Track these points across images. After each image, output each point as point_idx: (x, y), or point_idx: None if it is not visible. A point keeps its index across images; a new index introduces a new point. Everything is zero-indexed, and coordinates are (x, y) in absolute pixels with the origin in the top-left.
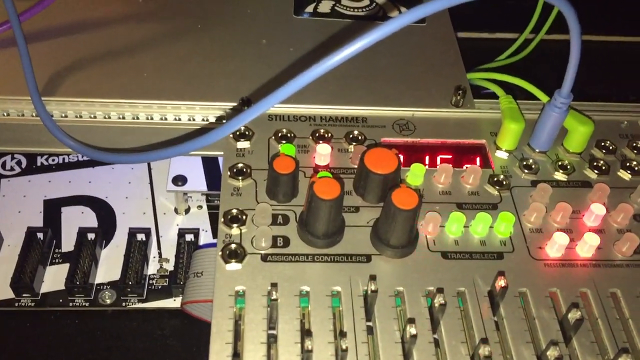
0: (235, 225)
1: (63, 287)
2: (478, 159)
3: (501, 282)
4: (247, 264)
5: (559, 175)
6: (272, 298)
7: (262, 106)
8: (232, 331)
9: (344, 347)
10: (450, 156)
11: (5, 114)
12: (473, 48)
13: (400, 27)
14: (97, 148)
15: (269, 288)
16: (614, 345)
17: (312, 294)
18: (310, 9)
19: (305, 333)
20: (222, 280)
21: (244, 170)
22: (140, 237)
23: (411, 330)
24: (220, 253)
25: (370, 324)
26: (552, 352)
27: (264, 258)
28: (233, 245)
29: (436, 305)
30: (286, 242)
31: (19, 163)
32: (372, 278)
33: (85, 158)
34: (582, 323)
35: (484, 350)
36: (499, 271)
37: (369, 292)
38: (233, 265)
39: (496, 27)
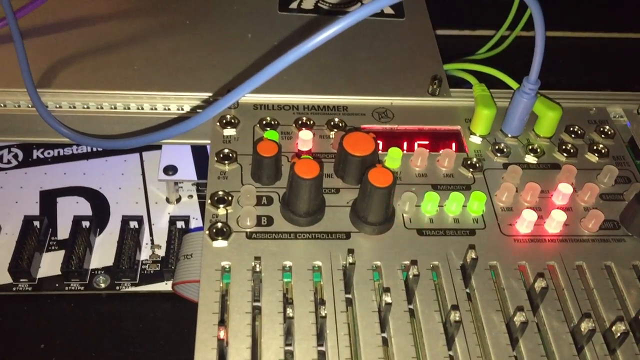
0: (221, 205)
1: (59, 272)
2: (454, 144)
3: (472, 254)
4: (232, 241)
5: (530, 158)
6: (256, 270)
7: (240, 91)
8: (219, 302)
9: (323, 314)
10: (427, 142)
11: (2, 105)
12: (456, 44)
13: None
14: (89, 135)
15: (253, 263)
16: (578, 313)
17: (294, 268)
18: (294, 5)
19: (287, 303)
20: (209, 257)
21: (230, 155)
22: (133, 224)
23: (386, 299)
24: (207, 231)
25: (349, 296)
26: (518, 318)
27: (249, 236)
28: (219, 224)
29: (410, 276)
30: (270, 221)
31: (15, 156)
32: (350, 251)
33: (79, 151)
34: (547, 291)
35: (454, 316)
36: (470, 244)
37: (347, 265)
38: (219, 243)
39: (478, 25)
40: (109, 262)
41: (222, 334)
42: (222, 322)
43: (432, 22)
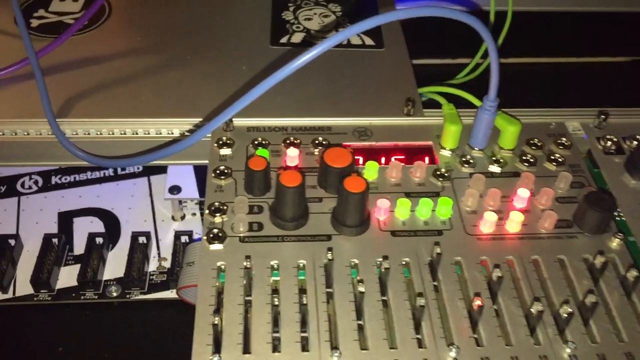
0: (218, 214)
1: (75, 283)
2: (427, 158)
3: (437, 249)
4: (227, 244)
5: (494, 168)
6: (247, 267)
7: (228, 112)
8: (215, 296)
9: (304, 302)
10: (403, 156)
11: (26, 133)
12: (439, 71)
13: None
14: (101, 157)
15: (245, 261)
16: (532, 300)
17: (281, 267)
18: (284, 39)
19: (274, 294)
20: (207, 258)
21: (226, 171)
22: (142, 239)
23: (360, 288)
24: (205, 237)
25: (330, 290)
26: (475, 302)
27: (242, 240)
28: (216, 230)
29: (382, 270)
30: (260, 226)
31: (35, 182)
32: (330, 249)
33: (93, 176)
34: (502, 280)
35: (419, 301)
36: (435, 241)
37: (327, 261)
38: (216, 246)
39: (458, 54)
40: (120, 273)
41: (216, 320)
42: (217, 311)
43: (418, 52)
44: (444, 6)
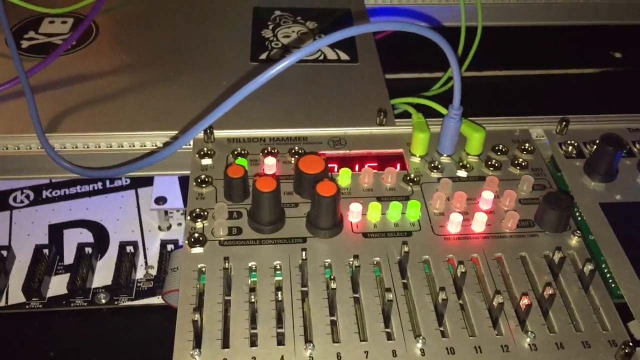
0: (199, 220)
1: (65, 291)
2: (398, 165)
3: (405, 248)
4: (207, 248)
5: (461, 173)
6: (225, 267)
7: (206, 121)
8: (196, 296)
9: (280, 298)
10: (375, 163)
11: (16, 148)
12: (416, 85)
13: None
14: (87, 168)
15: (224, 263)
16: (495, 293)
17: (258, 268)
18: (264, 56)
19: (251, 291)
20: (188, 261)
21: (207, 180)
22: (129, 249)
23: (332, 285)
24: (186, 241)
25: (305, 289)
26: (441, 296)
27: (222, 243)
28: (197, 235)
29: (353, 268)
30: (239, 231)
31: (27, 197)
32: (304, 249)
33: (82, 190)
34: (466, 275)
35: (387, 296)
36: (403, 241)
37: (301, 261)
38: (196, 249)
39: (434, 68)
40: (109, 281)
41: (197, 317)
42: (198, 310)
43: (398, 67)
44: (408, 21)
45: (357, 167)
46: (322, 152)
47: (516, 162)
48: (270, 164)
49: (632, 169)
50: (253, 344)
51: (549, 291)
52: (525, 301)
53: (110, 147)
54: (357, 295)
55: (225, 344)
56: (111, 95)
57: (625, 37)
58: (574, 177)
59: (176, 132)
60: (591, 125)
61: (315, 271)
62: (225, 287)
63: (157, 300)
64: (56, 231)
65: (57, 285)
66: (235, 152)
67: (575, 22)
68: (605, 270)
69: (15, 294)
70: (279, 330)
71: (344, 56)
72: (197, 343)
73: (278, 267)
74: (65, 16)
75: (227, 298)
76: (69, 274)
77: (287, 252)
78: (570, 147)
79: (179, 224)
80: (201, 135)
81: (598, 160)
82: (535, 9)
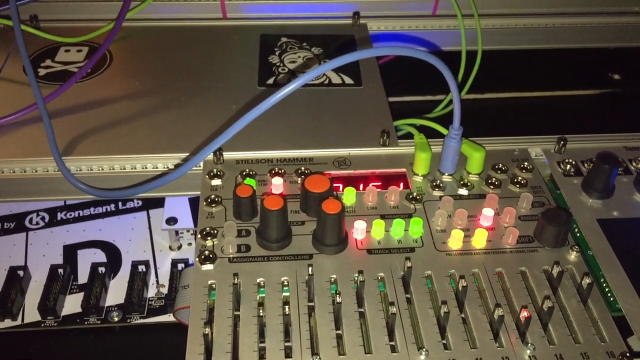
0: (209, 238)
1: (79, 310)
2: (401, 184)
3: (408, 263)
4: (217, 265)
5: (462, 191)
6: (234, 283)
7: (215, 144)
8: (206, 311)
9: (287, 313)
10: (379, 183)
11: (34, 171)
12: (420, 107)
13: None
14: (102, 189)
15: (233, 280)
16: (495, 306)
17: (267, 284)
18: (271, 81)
19: (259, 305)
20: (199, 277)
21: (216, 199)
22: (141, 268)
23: (337, 299)
24: (197, 258)
25: (311, 304)
26: (443, 309)
27: (231, 260)
28: (207, 252)
29: (358, 283)
30: (247, 248)
31: (42, 219)
32: (310, 265)
33: (96, 211)
34: (467, 289)
35: (391, 310)
36: (406, 257)
37: (307, 276)
38: (207, 266)
39: (437, 91)
40: (121, 299)
41: (207, 331)
42: (209, 324)
43: (399, 90)
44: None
45: (361, 186)
46: (327, 172)
47: (516, 180)
48: (277, 184)
49: (629, 186)
50: (262, 357)
51: (549, 304)
52: (525, 314)
53: (124, 169)
54: (362, 310)
55: (235, 357)
56: (124, 119)
57: (624, 59)
58: (572, 195)
59: (187, 154)
60: (588, 144)
61: (321, 286)
62: (234, 302)
63: (168, 317)
64: (70, 251)
65: (72, 304)
66: (244, 173)
67: (575, 45)
68: (604, 285)
69: (31, 313)
70: (286, 344)
71: (348, 80)
72: (208, 356)
73: (285, 282)
74: (81, 45)
75: (236, 313)
76: (83, 293)
77: (294, 268)
78: (568, 166)
79: (189, 244)
80: (211, 157)
81: (595, 177)
82: (535, 32)
